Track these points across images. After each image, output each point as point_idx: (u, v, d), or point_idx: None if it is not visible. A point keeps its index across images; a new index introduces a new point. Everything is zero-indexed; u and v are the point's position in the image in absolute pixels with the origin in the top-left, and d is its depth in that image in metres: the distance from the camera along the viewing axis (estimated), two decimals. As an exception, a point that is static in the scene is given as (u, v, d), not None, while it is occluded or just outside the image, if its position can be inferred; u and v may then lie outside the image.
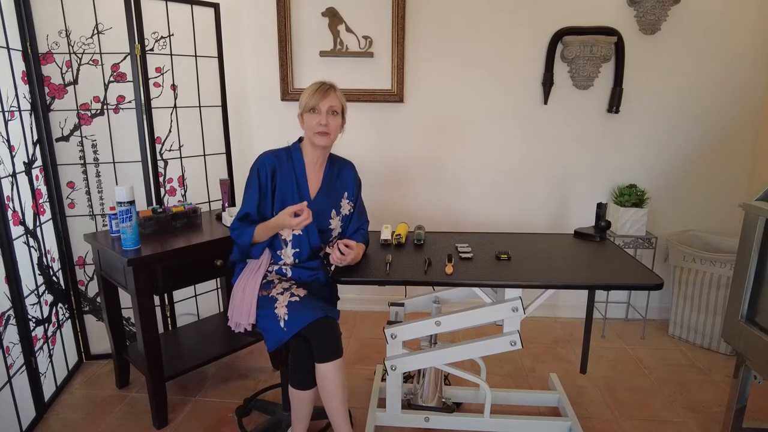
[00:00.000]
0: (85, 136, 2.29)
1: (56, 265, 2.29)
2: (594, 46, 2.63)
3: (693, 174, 2.85)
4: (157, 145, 2.40)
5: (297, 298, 1.67)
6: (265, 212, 1.77)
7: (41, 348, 2.10)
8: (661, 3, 2.56)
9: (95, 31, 2.21)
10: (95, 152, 2.32)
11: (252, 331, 1.77)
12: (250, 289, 1.74)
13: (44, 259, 2.18)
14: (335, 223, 1.86)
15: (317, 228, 1.80)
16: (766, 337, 1.61)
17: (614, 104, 2.74)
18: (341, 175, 1.90)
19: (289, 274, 1.83)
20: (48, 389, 2.13)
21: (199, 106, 2.55)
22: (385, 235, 2.01)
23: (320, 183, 1.83)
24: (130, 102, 2.31)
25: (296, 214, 1.63)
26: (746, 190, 2.82)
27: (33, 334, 2.02)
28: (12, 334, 1.89)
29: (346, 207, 1.89)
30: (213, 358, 2.24)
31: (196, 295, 2.67)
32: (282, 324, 1.63)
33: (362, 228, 1.94)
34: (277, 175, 1.76)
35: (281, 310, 1.65)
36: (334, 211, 1.85)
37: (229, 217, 2.19)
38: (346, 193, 1.89)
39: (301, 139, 1.85)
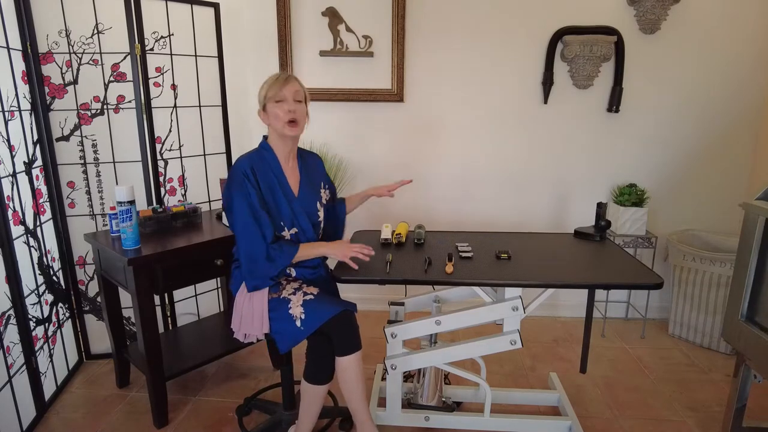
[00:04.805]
0: (85, 136, 2.29)
1: (56, 265, 2.29)
2: (594, 45, 2.62)
3: (693, 173, 2.85)
4: (157, 144, 2.40)
5: (311, 296, 1.67)
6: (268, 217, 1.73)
7: (41, 348, 2.10)
8: (661, 2, 2.55)
9: (95, 31, 2.21)
10: (95, 152, 2.32)
11: (264, 339, 1.76)
12: (258, 298, 1.69)
13: (44, 259, 2.18)
14: (321, 214, 1.86)
15: (310, 222, 1.79)
16: (766, 337, 1.61)
17: (614, 104, 2.74)
18: (312, 165, 1.89)
19: (293, 273, 1.83)
20: (48, 389, 2.13)
21: (199, 106, 2.55)
22: (386, 234, 2.01)
23: (299, 177, 1.81)
24: (130, 102, 2.31)
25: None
26: (746, 190, 2.82)
27: (33, 333, 2.02)
28: (12, 334, 1.90)
29: (324, 196, 1.90)
30: (213, 358, 2.24)
31: (196, 295, 2.67)
32: (298, 323, 1.62)
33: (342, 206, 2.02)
34: (258, 177, 1.69)
35: (296, 310, 1.64)
36: (318, 203, 1.85)
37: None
38: (322, 183, 1.90)
39: (266, 138, 1.79)
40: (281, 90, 1.66)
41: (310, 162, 1.89)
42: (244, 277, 1.69)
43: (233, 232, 1.70)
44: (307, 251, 1.72)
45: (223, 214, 2.25)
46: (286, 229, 1.74)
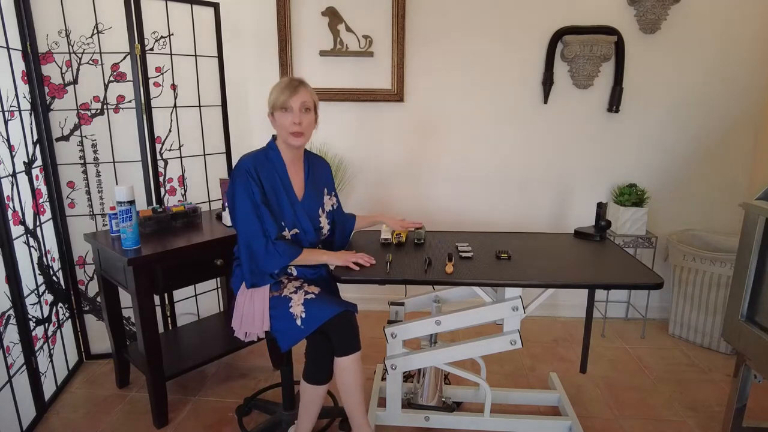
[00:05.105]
0: (85, 136, 2.29)
1: (56, 265, 2.29)
2: (594, 45, 2.62)
3: (693, 173, 2.85)
4: (157, 144, 2.40)
5: (312, 296, 1.67)
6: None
7: (41, 348, 2.10)
8: (661, 2, 2.55)
9: (95, 31, 2.21)
10: (95, 152, 2.32)
11: (264, 337, 1.76)
12: (259, 297, 1.70)
13: (44, 259, 2.18)
14: (324, 221, 1.85)
15: (312, 225, 1.80)
16: (766, 337, 1.61)
17: (614, 103, 2.74)
18: (320, 171, 1.89)
19: (294, 272, 1.83)
20: (48, 389, 2.13)
21: (199, 106, 2.55)
22: (386, 234, 2.00)
23: (303, 182, 1.81)
24: (130, 102, 2.31)
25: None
26: (746, 190, 2.82)
27: (33, 333, 2.02)
28: (12, 334, 1.90)
29: (328, 203, 1.89)
30: (213, 358, 2.24)
31: (196, 295, 2.67)
32: (299, 322, 1.62)
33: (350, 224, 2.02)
34: (261, 177, 1.69)
35: (297, 309, 1.64)
36: (320, 209, 1.84)
37: (229, 217, 2.19)
38: (326, 189, 1.89)
39: (275, 138, 1.79)
40: (289, 100, 1.65)
41: (317, 167, 1.88)
42: (244, 273, 1.70)
43: (235, 228, 1.70)
44: (309, 256, 1.73)
45: (223, 213, 2.25)
46: (287, 229, 1.74)
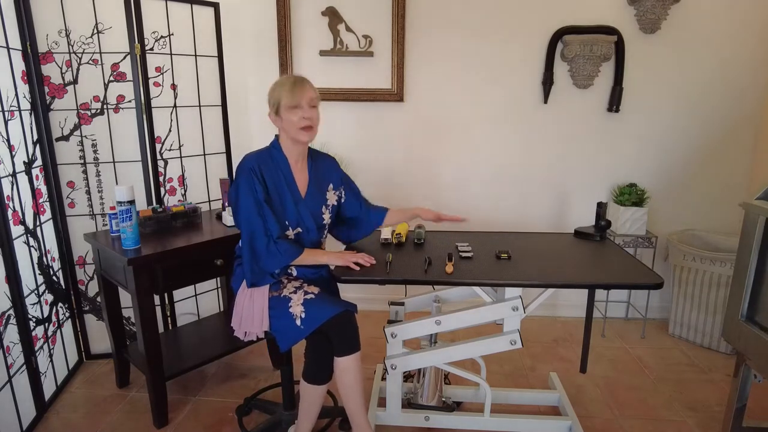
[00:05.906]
0: (85, 136, 2.29)
1: (56, 265, 2.29)
2: (594, 45, 2.62)
3: (693, 173, 2.85)
4: (157, 144, 2.40)
5: (312, 296, 1.67)
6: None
7: (41, 348, 2.10)
8: (661, 2, 2.55)
9: (95, 31, 2.21)
10: (95, 152, 2.32)
11: (264, 337, 1.76)
12: (259, 296, 1.70)
13: (44, 259, 2.18)
14: (327, 217, 1.85)
15: (315, 223, 1.80)
16: (766, 336, 1.61)
17: (614, 103, 2.74)
18: (323, 168, 1.88)
19: (294, 272, 1.83)
20: (48, 389, 2.13)
21: (199, 106, 2.55)
22: (386, 234, 2.00)
23: (307, 180, 1.81)
24: (130, 101, 2.31)
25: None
26: (746, 189, 2.82)
27: (33, 333, 2.02)
28: (12, 334, 1.90)
29: (332, 198, 1.88)
30: (213, 358, 2.24)
31: (196, 295, 2.67)
32: (298, 322, 1.62)
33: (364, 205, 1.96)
34: (265, 176, 1.70)
35: (297, 309, 1.64)
36: (323, 206, 1.84)
37: (229, 217, 2.19)
38: (331, 185, 1.88)
39: (278, 137, 1.79)
40: (298, 98, 1.65)
41: (320, 164, 1.87)
42: (245, 271, 1.70)
43: (237, 226, 1.71)
44: (310, 257, 1.73)
45: (223, 213, 2.25)
46: (290, 228, 1.74)
